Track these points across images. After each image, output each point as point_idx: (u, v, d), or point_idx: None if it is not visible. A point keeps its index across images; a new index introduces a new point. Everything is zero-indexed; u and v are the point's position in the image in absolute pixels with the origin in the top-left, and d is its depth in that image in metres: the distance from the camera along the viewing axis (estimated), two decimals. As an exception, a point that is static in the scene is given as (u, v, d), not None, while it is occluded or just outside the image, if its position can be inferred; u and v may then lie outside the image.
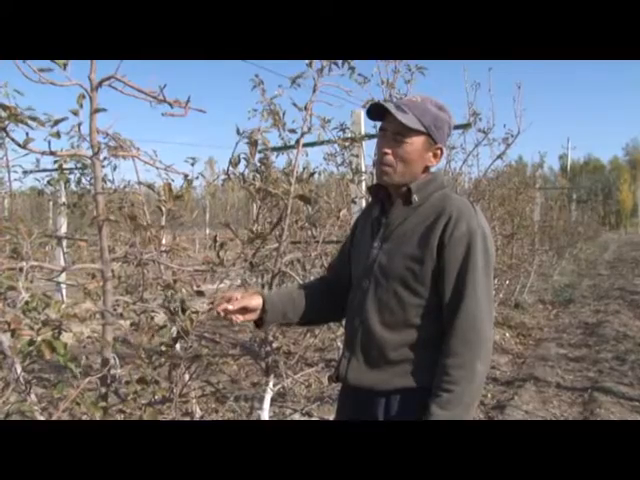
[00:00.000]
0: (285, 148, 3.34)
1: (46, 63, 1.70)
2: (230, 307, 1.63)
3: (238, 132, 2.74)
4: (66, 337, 1.78)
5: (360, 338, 1.61)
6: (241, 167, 2.81)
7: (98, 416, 1.74)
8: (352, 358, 1.63)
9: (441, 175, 1.69)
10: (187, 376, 2.33)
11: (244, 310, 1.67)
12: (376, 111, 1.60)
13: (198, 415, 3.32)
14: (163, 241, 2.16)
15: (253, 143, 2.86)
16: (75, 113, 1.94)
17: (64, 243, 4.19)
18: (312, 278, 4.07)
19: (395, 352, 1.55)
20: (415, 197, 1.58)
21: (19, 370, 1.95)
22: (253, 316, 1.70)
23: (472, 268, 1.48)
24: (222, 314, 1.64)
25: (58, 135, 1.91)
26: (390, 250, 1.58)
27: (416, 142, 1.56)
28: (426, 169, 1.62)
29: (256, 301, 1.68)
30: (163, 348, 2.08)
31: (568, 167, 37.52)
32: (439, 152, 1.62)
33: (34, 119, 1.76)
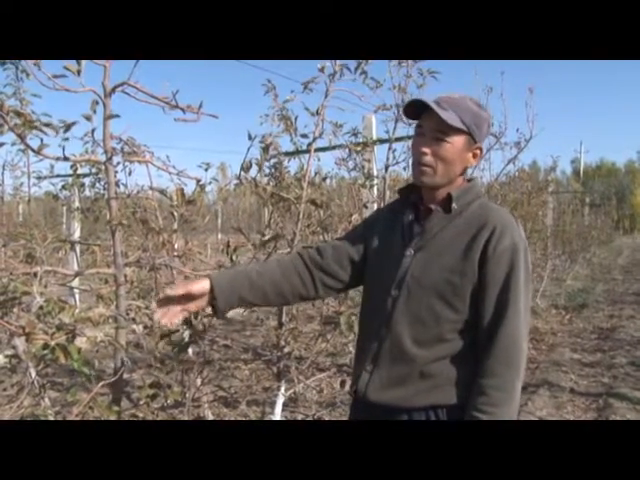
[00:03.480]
0: (297, 153, 3.34)
1: (59, 69, 1.72)
2: (164, 304, 1.47)
3: (250, 137, 2.75)
4: (79, 342, 1.79)
5: (386, 352, 1.51)
6: (253, 172, 2.82)
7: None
8: (375, 372, 1.53)
9: (478, 183, 1.60)
10: (199, 380, 2.34)
11: (187, 298, 1.49)
12: (413, 109, 1.50)
13: (210, 419, 3.32)
14: (176, 246, 2.17)
15: (265, 148, 2.88)
16: (88, 119, 1.96)
17: (77, 248, 4.22)
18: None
19: (423, 368, 1.46)
20: (455, 205, 1.49)
21: (33, 374, 1.97)
22: (200, 303, 1.52)
23: (514, 285, 1.41)
24: (162, 320, 1.48)
25: (67, 140, 1.94)
26: (426, 260, 1.48)
27: (457, 141, 1.46)
28: (464, 170, 1.54)
29: (200, 285, 1.50)
30: (175, 352, 2.09)
31: (581, 171, 37.25)
32: (479, 152, 1.53)
33: (48, 125, 1.78)
